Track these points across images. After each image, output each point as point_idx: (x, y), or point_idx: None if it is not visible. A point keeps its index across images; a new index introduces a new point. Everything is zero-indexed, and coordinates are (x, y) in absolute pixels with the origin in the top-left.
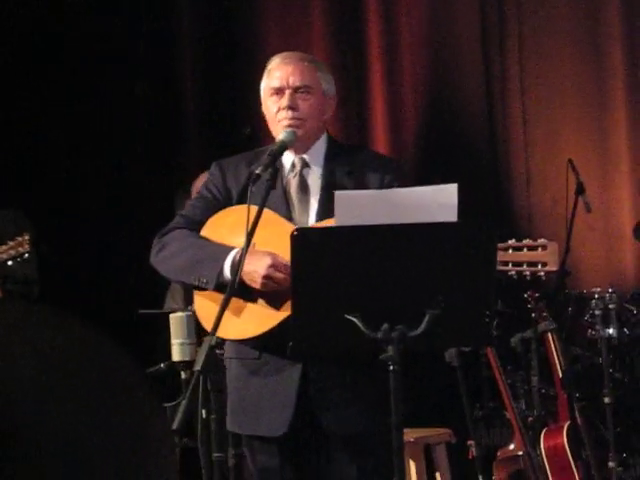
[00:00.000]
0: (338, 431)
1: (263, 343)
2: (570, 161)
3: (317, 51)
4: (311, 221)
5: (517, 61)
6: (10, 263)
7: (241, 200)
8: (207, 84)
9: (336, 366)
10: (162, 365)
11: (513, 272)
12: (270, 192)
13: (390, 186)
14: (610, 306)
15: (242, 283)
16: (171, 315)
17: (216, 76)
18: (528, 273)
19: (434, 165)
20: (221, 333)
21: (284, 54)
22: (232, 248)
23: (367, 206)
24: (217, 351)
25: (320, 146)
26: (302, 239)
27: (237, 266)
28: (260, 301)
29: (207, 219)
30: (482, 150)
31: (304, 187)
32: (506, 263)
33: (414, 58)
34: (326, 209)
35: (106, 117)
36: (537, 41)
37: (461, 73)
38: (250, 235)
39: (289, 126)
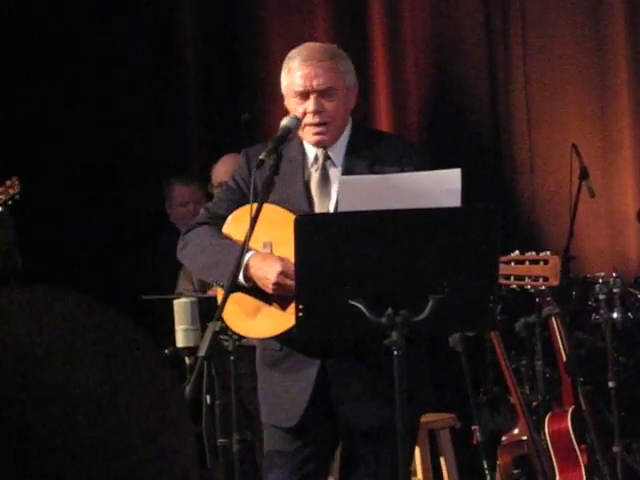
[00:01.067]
0: (355, 425)
1: (283, 337)
2: (574, 146)
3: (319, 35)
4: (331, 210)
5: (521, 46)
6: (1, 209)
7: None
8: (207, 69)
9: (354, 361)
10: (166, 351)
11: (514, 286)
12: (274, 178)
13: (421, 169)
14: (614, 290)
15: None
16: (175, 301)
17: (216, 61)
18: (529, 287)
19: (438, 150)
20: (240, 331)
21: (305, 51)
22: (248, 251)
23: (371, 191)
24: (221, 337)
25: (344, 138)
26: (305, 225)
27: (251, 272)
28: (276, 302)
29: (228, 211)
30: (485, 135)
31: (325, 181)
32: (508, 277)
33: (417, 43)
34: None
35: (105, 102)
36: (540, 26)
37: (464, 58)
38: (251, 231)
39: (317, 134)
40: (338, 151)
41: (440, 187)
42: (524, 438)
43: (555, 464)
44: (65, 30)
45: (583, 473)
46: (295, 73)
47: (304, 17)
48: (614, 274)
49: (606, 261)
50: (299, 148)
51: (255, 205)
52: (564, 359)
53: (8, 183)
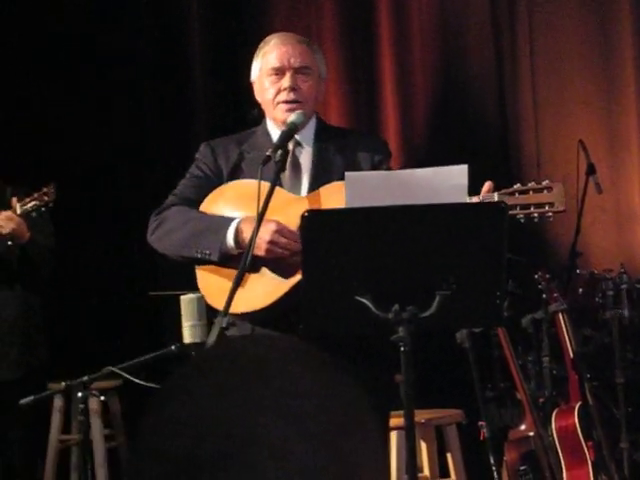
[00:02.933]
0: None
1: (260, 317)
2: (581, 142)
3: (326, 31)
4: (303, 194)
5: (527, 42)
6: (34, 214)
7: (233, 178)
8: (215, 65)
9: (337, 347)
10: (173, 347)
11: (522, 216)
12: (280, 173)
13: (380, 165)
14: (621, 286)
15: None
16: (182, 297)
17: (224, 57)
18: (536, 215)
19: (445, 146)
20: (220, 306)
21: (280, 35)
22: (233, 218)
23: (377, 187)
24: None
25: (311, 126)
26: (312, 220)
27: (242, 236)
28: (266, 272)
29: (201, 197)
30: (492, 131)
31: (296, 166)
32: (514, 207)
33: (424, 38)
34: (316, 187)
35: (112, 95)
36: (547, 22)
37: (471, 53)
38: (262, 213)
39: (290, 110)
40: (306, 136)
41: (447, 183)
42: (531, 434)
43: (562, 460)
44: (66, 30)
45: (590, 469)
46: (271, 54)
47: (311, 12)
48: (621, 270)
49: (613, 257)
50: (266, 137)
51: (262, 185)
52: (571, 355)
53: (44, 190)
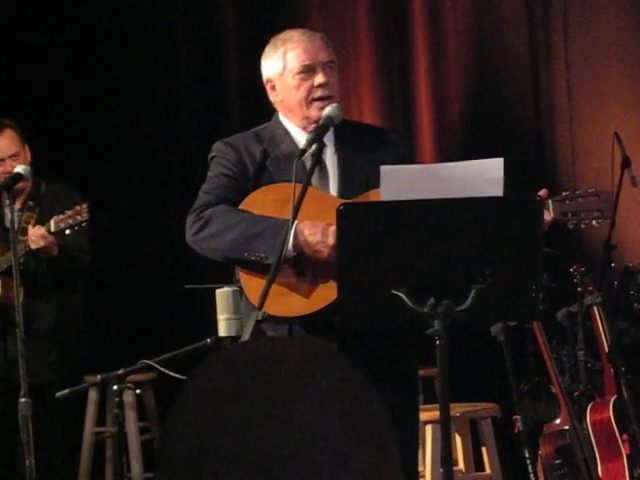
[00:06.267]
0: None
1: (300, 320)
2: (616, 135)
3: (361, 27)
4: None
5: (562, 35)
6: (68, 232)
7: (258, 177)
8: (248, 55)
9: (371, 344)
10: (208, 340)
11: (573, 222)
12: (315, 167)
13: (404, 158)
14: None
15: (299, 258)
16: (217, 290)
17: (258, 45)
18: (587, 222)
19: (479, 140)
20: (265, 307)
21: (299, 32)
22: (287, 221)
23: (413, 181)
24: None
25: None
26: (348, 214)
27: (300, 240)
28: (310, 279)
29: (236, 197)
30: (527, 125)
31: (322, 166)
32: (565, 214)
33: (458, 32)
34: (345, 188)
35: (147, 87)
36: (582, 14)
37: (506, 47)
38: (296, 210)
39: (325, 107)
40: (328, 134)
41: (482, 176)
42: (566, 428)
43: (597, 454)
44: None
45: (625, 463)
46: (296, 51)
47: (346, 10)
48: None
49: None
50: (286, 135)
51: (296, 186)
52: (606, 348)
53: (78, 208)
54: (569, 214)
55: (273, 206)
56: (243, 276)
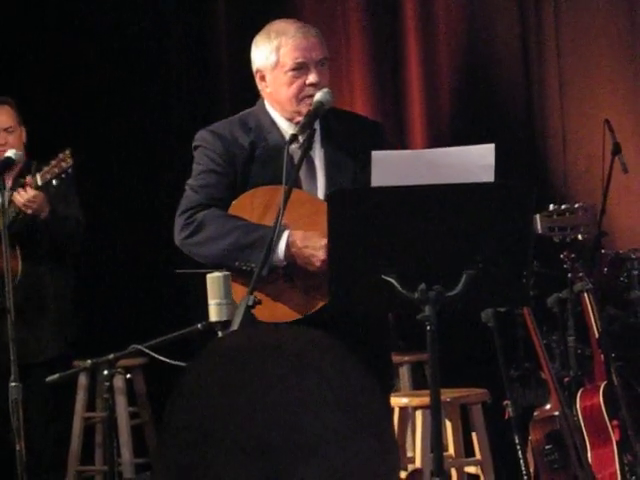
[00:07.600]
0: None
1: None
2: (607, 122)
3: (352, 15)
4: (319, 193)
5: (553, 22)
6: (55, 182)
7: (247, 169)
8: (240, 43)
9: (343, 328)
10: (199, 325)
11: (559, 237)
12: (306, 153)
13: (392, 147)
14: None
15: (289, 265)
16: (208, 275)
17: (250, 33)
18: (573, 236)
19: (470, 126)
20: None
21: (294, 26)
22: (280, 230)
23: (404, 166)
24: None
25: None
26: (339, 199)
27: (292, 252)
28: (300, 286)
29: (225, 195)
30: (518, 111)
31: (310, 162)
32: (552, 229)
33: (449, 21)
34: (333, 181)
35: (139, 76)
36: (573, 2)
37: (496, 33)
38: (278, 220)
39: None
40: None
41: (474, 162)
42: (556, 414)
43: (587, 440)
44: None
45: (615, 449)
46: (290, 47)
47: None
48: None
49: (639, 237)
50: (273, 127)
51: (286, 188)
52: (596, 335)
53: (61, 156)
54: (556, 229)
55: (263, 211)
56: (233, 285)
